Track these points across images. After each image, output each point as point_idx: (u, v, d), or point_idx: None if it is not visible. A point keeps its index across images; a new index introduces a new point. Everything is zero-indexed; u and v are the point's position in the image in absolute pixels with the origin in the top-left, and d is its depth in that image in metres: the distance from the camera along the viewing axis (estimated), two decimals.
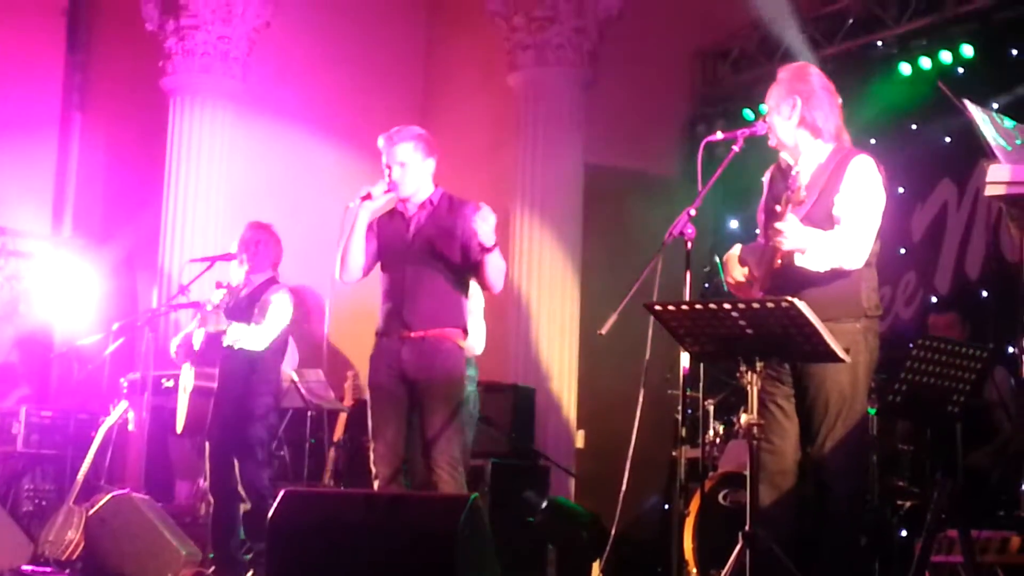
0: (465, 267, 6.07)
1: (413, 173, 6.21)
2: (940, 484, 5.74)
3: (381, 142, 6.29)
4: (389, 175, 6.21)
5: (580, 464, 9.97)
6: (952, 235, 9.13)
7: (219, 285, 7.79)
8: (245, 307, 7.70)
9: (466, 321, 6.15)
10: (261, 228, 7.96)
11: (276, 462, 8.80)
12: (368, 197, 6.15)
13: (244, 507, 7.57)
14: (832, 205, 5.06)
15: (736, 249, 5.35)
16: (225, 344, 7.54)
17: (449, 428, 5.95)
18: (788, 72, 5.37)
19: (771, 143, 5.30)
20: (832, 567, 5.02)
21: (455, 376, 6.05)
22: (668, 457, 8.87)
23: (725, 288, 5.48)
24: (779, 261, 4.98)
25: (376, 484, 6.04)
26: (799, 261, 4.96)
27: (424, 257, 6.11)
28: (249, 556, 7.69)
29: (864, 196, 5.06)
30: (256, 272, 7.84)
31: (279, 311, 7.70)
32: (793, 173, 4.98)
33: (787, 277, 4.97)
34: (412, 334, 6.05)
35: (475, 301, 6.50)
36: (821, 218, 5.03)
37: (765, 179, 5.44)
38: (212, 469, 7.71)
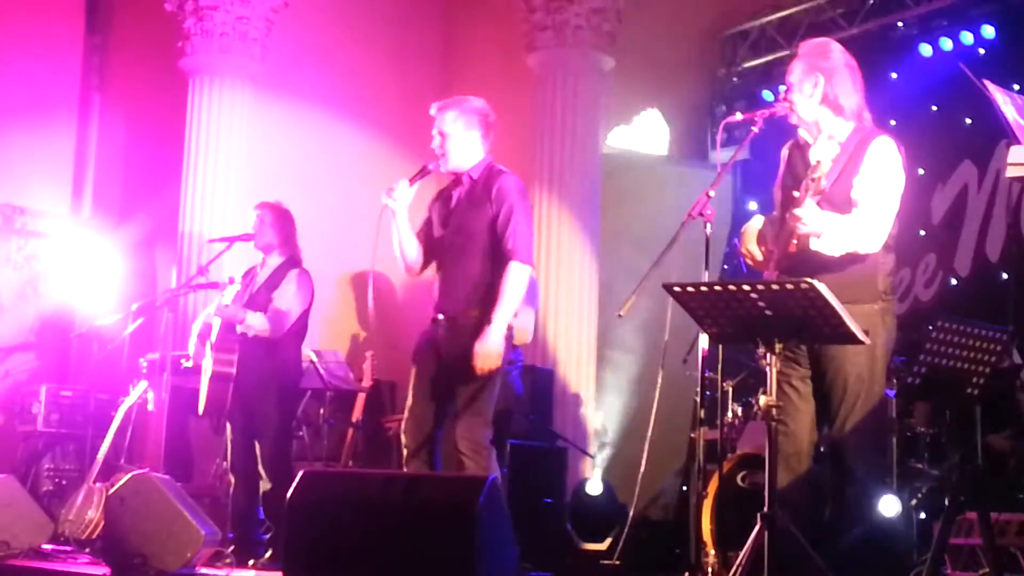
0: (496, 243, 5.98)
1: (455, 144, 6.13)
2: (959, 466, 5.73)
3: (431, 110, 6.19)
4: (437, 145, 6.13)
5: (598, 445, 9.98)
6: (972, 217, 9.10)
7: (231, 281, 7.77)
8: (264, 290, 7.71)
9: (497, 297, 5.94)
10: (263, 205, 7.94)
11: (295, 442, 8.82)
12: (398, 187, 6.01)
13: (264, 487, 7.59)
14: (851, 187, 5.03)
15: (757, 221, 5.32)
16: (250, 335, 7.56)
17: (473, 411, 5.92)
18: (810, 48, 5.31)
19: (792, 120, 5.27)
20: (849, 549, 5.02)
21: (483, 355, 5.89)
22: (686, 438, 8.88)
23: (744, 269, 5.47)
24: (795, 242, 4.96)
25: (404, 454, 6.04)
26: (814, 245, 4.94)
27: (458, 236, 6.06)
28: (268, 536, 7.72)
29: (883, 179, 5.03)
30: (270, 252, 7.83)
31: (293, 300, 7.69)
32: (814, 161, 4.92)
33: (803, 260, 4.95)
34: (445, 316, 6.03)
35: (528, 288, 6.39)
36: (840, 199, 5.00)
37: (783, 154, 5.40)
38: (233, 449, 7.73)
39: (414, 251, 6.15)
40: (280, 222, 7.87)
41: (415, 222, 6.18)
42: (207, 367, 7.59)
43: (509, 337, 6.01)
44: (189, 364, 7.97)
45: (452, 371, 5.95)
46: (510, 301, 5.91)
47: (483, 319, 5.88)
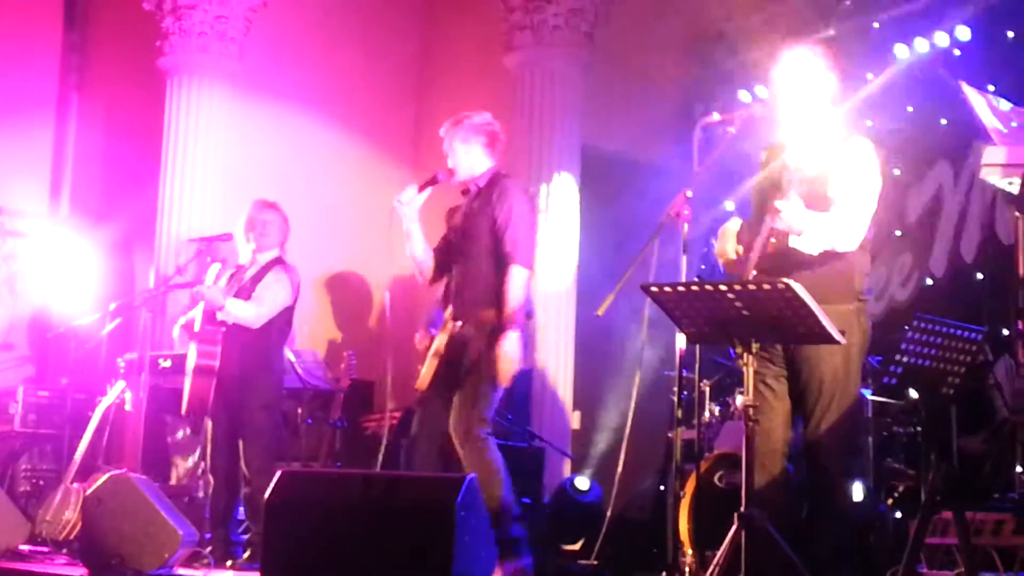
0: (497, 250, 6.25)
1: (458, 158, 6.44)
2: (935, 466, 5.76)
3: (442, 131, 6.52)
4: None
5: (576, 445, 9.99)
6: (948, 217, 9.15)
7: (213, 260, 7.78)
8: (249, 287, 7.70)
9: (503, 302, 6.21)
10: (269, 206, 7.94)
11: (275, 442, 8.81)
12: (408, 194, 6.36)
13: (244, 488, 7.59)
14: (827, 187, 5.07)
15: (734, 223, 5.36)
16: (219, 318, 7.53)
17: (468, 403, 6.14)
18: (789, 52, 5.37)
19: (769, 121, 5.31)
20: (827, 549, 5.04)
21: (486, 358, 6.16)
22: (664, 438, 8.90)
23: (721, 268, 5.49)
24: (773, 241, 4.99)
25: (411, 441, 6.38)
26: (793, 243, 4.97)
27: (465, 241, 6.34)
28: (246, 536, 7.72)
29: (860, 179, 5.07)
30: (262, 251, 7.83)
31: (277, 290, 7.69)
32: (790, 153, 4.97)
33: (780, 258, 4.98)
34: (457, 323, 6.26)
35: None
36: (817, 200, 5.03)
37: (762, 156, 5.44)
38: (214, 449, 7.72)
39: (424, 255, 6.45)
40: (285, 224, 7.91)
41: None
42: (190, 364, 7.59)
43: (523, 339, 6.25)
44: (167, 364, 7.97)
45: (461, 370, 6.18)
46: (514, 304, 6.16)
47: (495, 322, 6.16)
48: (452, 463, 6.24)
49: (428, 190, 6.37)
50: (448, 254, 6.44)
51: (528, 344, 6.51)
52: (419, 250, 6.43)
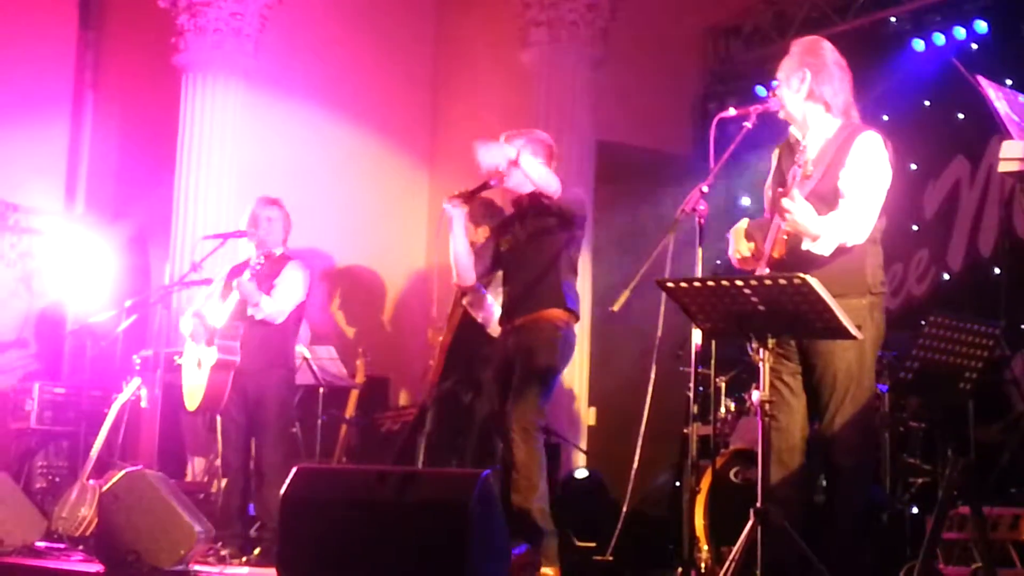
0: (555, 242, 6.45)
1: (516, 172, 6.38)
2: (952, 461, 5.74)
3: (502, 139, 6.52)
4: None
5: (591, 441, 9.98)
6: (965, 212, 9.11)
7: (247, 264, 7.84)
8: (263, 283, 7.72)
9: (565, 298, 6.47)
10: (272, 203, 7.97)
11: (288, 439, 8.82)
12: (459, 196, 6.46)
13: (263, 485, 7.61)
14: (838, 180, 5.06)
15: (743, 223, 5.35)
16: (259, 317, 7.56)
17: (527, 397, 6.31)
18: (800, 45, 5.37)
19: (780, 115, 5.31)
20: (842, 544, 5.03)
21: (544, 352, 6.37)
22: (679, 434, 8.87)
23: (735, 267, 5.48)
24: (784, 238, 4.98)
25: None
26: (806, 246, 4.96)
27: (529, 247, 6.51)
28: (256, 534, 7.73)
29: (869, 172, 5.05)
30: (267, 247, 7.85)
31: (296, 286, 7.74)
32: (800, 148, 4.97)
33: (792, 254, 4.97)
34: (516, 322, 6.48)
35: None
36: (827, 193, 5.02)
37: (774, 156, 5.43)
38: (227, 446, 7.74)
39: (467, 259, 6.61)
40: (287, 220, 7.95)
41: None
42: (202, 358, 7.60)
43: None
44: (183, 361, 7.98)
45: (516, 366, 6.39)
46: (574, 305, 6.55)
47: (556, 322, 6.41)
48: (462, 457, 6.33)
49: (479, 195, 6.50)
50: (503, 257, 6.66)
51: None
52: (463, 252, 6.55)
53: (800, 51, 5.31)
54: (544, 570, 6.32)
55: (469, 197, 6.45)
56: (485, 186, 6.43)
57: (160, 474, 7.02)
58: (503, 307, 6.69)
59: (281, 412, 7.75)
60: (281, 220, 7.93)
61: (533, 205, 6.49)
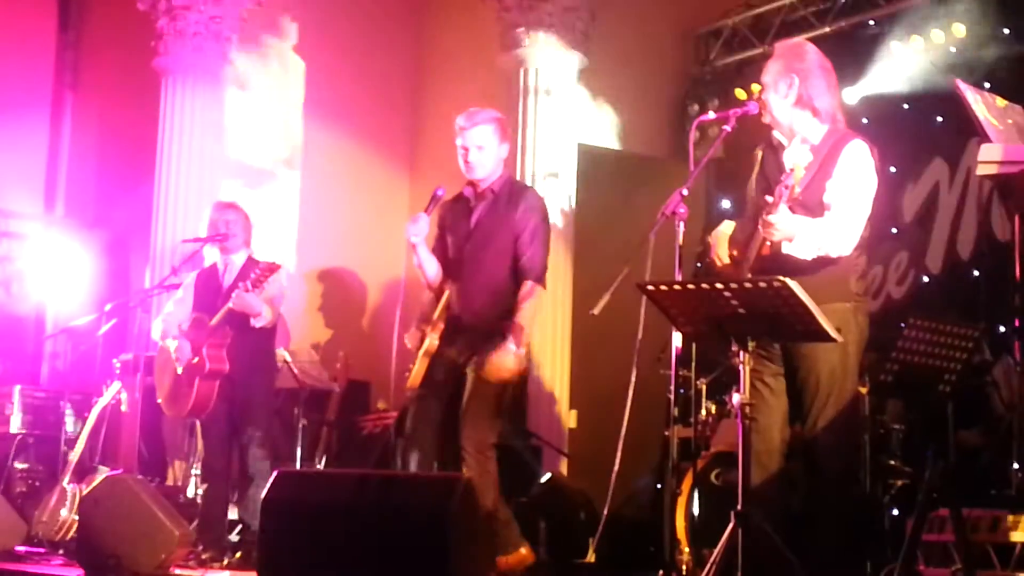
0: (516, 260, 6.23)
1: (488, 157, 6.30)
2: (932, 463, 5.76)
3: (460, 121, 6.32)
4: (465, 156, 6.27)
5: (573, 444, 9.97)
6: (944, 215, 9.13)
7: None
8: (243, 287, 7.68)
9: (516, 313, 6.19)
10: (228, 207, 7.96)
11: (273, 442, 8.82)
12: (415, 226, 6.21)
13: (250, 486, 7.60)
14: (824, 190, 5.05)
15: (727, 227, 5.35)
16: (259, 325, 7.52)
17: (481, 413, 6.15)
18: (785, 49, 5.34)
19: (764, 120, 5.30)
20: (822, 546, 5.04)
21: (498, 366, 6.13)
22: (660, 437, 8.88)
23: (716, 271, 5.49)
24: (768, 244, 4.98)
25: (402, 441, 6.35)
26: (786, 249, 4.96)
27: (481, 250, 6.26)
28: (238, 538, 7.72)
29: (855, 184, 5.05)
30: (232, 252, 7.82)
31: (280, 289, 7.72)
32: (788, 167, 4.93)
33: (775, 262, 4.97)
34: (465, 325, 6.23)
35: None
36: (813, 203, 5.02)
37: (757, 156, 5.42)
38: (210, 451, 7.72)
39: (434, 269, 6.38)
40: (247, 221, 7.92)
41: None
42: (176, 357, 7.58)
43: (526, 352, 6.26)
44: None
45: (472, 379, 6.16)
46: (528, 319, 6.17)
47: (504, 329, 6.12)
48: (446, 462, 6.26)
49: (433, 210, 6.35)
50: (455, 258, 6.38)
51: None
52: (430, 265, 6.37)
53: (786, 55, 5.28)
54: (519, 551, 6.33)
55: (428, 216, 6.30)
56: (436, 199, 6.34)
57: (140, 478, 7.02)
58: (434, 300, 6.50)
59: (267, 415, 7.74)
60: (241, 222, 7.89)
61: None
